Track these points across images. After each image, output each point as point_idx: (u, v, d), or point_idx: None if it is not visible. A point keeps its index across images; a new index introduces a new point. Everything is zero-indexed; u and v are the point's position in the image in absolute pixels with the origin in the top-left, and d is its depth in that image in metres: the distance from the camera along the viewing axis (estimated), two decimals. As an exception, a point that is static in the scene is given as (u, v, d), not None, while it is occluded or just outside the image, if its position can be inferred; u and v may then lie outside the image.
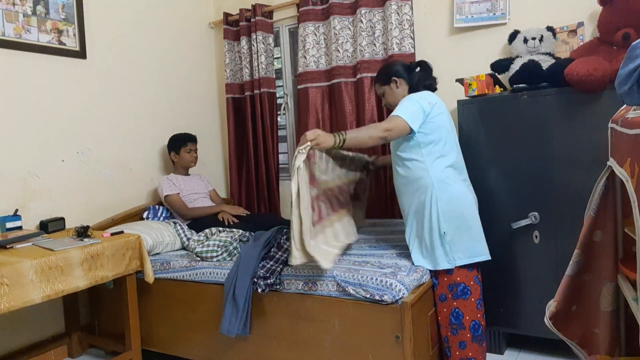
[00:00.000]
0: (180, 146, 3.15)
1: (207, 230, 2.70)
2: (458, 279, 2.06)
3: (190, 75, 3.64)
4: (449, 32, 2.96)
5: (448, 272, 2.05)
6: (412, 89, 2.22)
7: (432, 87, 2.25)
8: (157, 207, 3.09)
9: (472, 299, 2.07)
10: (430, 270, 2.09)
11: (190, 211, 2.98)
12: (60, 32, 2.70)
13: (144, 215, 3.03)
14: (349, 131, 2.05)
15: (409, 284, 1.90)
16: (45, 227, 2.46)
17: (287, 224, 2.04)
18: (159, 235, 2.70)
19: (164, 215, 3.10)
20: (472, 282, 2.08)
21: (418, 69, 2.26)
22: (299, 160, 1.87)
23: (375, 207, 3.20)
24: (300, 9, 3.33)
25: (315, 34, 3.33)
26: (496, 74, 2.57)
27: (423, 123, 2.05)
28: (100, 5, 2.94)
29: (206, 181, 3.33)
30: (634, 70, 1.11)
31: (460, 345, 2.06)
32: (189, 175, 3.24)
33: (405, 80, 2.24)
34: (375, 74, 3.09)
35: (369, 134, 2.04)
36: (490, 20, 2.76)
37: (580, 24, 2.54)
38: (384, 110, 3.12)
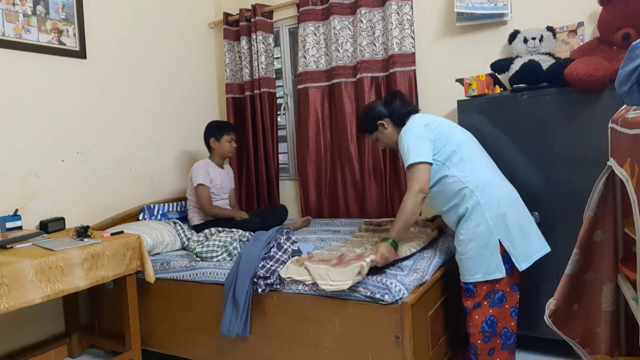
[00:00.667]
0: (223, 133, 3.02)
1: (206, 231, 2.70)
2: (497, 286, 1.99)
3: (190, 75, 3.64)
4: (449, 32, 2.96)
5: (490, 280, 1.98)
6: (398, 122, 2.17)
7: (414, 111, 2.20)
8: (152, 206, 3.08)
9: (507, 306, 2.02)
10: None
11: (211, 209, 2.91)
12: (60, 32, 2.70)
13: (140, 217, 3.01)
14: (392, 230, 2.00)
15: (409, 284, 1.90)
16: (45, 227, 2.46)
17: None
18: (159, 235, 2.70)
19: (160, 213, 3.09)
20: (509, 289, 2.01)
21: (394, 101, 2.21)
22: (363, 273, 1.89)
23: (376, 207, 3.20)
24: (300, 9, 3.33)
25: (315, 34, 3.33)
26: (496, 74, 2.57)
27: (434, 147, 2.02)
28: (100, 5, 2.94)
29: (232, 178, 3.24)
30: (634, 70, 1.11)
31: (489, 352, 2.01)
32: (223, 168, 3.13)
33: (390, 118, 2.19)
34: (375, 74, 3.12)
35: (409, 210, 1.95)
36: (491, 9, 2.69)
37: (580, 24, 2.54)
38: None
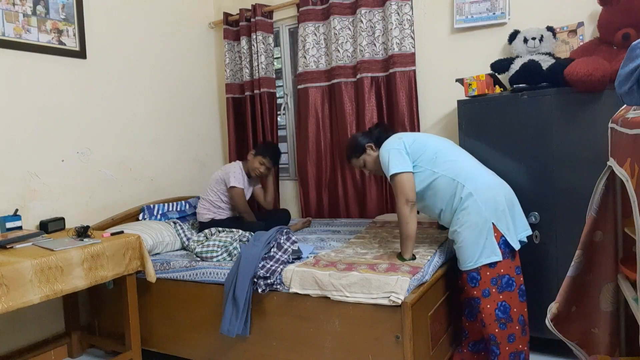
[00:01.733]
0: (260, 154, 3.02)
1: (206, 231, 2.70)
2: (502, 270, 2.00)
3: (191, 75, 3.64)
4: (449, 32, 2.96)
5: (491, 264, 2.00)
6: (379, 145, 2.26)
7: (386, 135, 2.32)
8: (152, 206, 3.08)
9: (517, 291, 2.04)
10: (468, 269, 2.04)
11: (247, 212, 2.97)
12: (60, 32, 2.70)
13: (140, 217, 3.02)
14: (402, 249, 2.09)
15: (409, 284, 1.90)
16: (45, 227, 2.46)
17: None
18: (159, 235, 2.70)
19: (160, 213, 3.10)
20: (514, 273, 2.04)
21: (376, 129, 2.38)
22: None
23: (376, 207, 3.20)
24: (300, 9, 3.33)
25: (315, 34, 3.33)
26: (496, 74, 2.57)
27: (411, 157, 2.12)
28: (100, 6, 2.94)
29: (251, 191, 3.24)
30: (634, 70, 1.11)
31: (509, 338, 2.01)
32: (250, 178, 3.14)
33: (373, 142, 2.31)
34: (375, 74, 3.13)
35: (404, 223, 2.04)
36: (490, 20, 2.77)
37: (580, 24, 2.54)
38: (384, 111, 3.13)
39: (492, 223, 1.99)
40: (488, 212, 2.00)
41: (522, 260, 2.31)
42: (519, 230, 2.09)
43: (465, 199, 2.02)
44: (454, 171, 2.07)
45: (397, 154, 2.11)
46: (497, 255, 1.99)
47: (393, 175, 2.08)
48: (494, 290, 2.00)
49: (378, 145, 2.28)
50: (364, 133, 2.41)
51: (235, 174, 2.98)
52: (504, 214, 2.02)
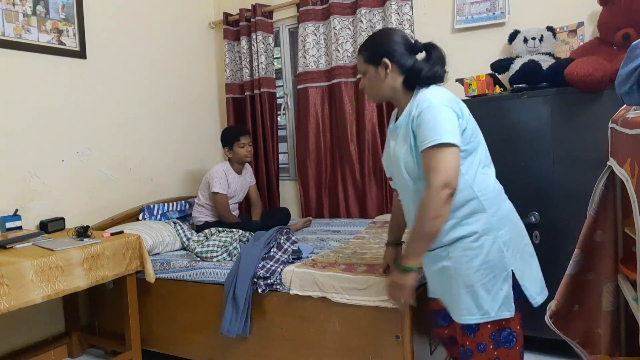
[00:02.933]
0: (233, 141, 2.99)
1: (206, 231, 2.70)
2: (503, 322, 1.52)
3: (190, 75, 3.64)
4: (449, 32, 2.96)
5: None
6: (407, 81, 1.54)
7: (436, 79, 1.54)
8: (152, 206, 3.08)
9: (517, 347, 1.56)
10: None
11: (229, 217, 2.93)
12: (60, 32, 2.70)
13: (140, 217, 3.01)
14: (408, 248, 1.49)
15: (409, 284, 1.89)
16: (45, 227, 2.46)
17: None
18: (159, 235, 2.70)
19: (160, 213, 3.09)
20: (518, 327, 1.56)
21: (423, 53, 1.58)
22: None
23: (376, 207, 3.20)
24: (300, 9, 3.33)
25: (315, 34, 3.33)
26: (496, 74, 2.58)
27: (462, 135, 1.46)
28: (100, 5, 2.94)
29: (249, 178, 3.23)
30: (634, 70, 1.11)
31: None
32: (242, 173, 3.12)
33: (399, 68, 1.54)
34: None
35: (433, 217, 1.39)
36: (489, 20, 2.78)
37: (580, 24, 2.54)
38: (384, 111, 3.12)
39: (512, 270, 1.49)
40: (509, 254, 1.49)
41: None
42: (540, 277, 1.62)
43: (483, 231, 1.48)
44: (480, 182, 1.51)
45: (453, 118, 1.43)
46: (510, 311, 1.50)
47: (439, 145, 1.37)
48: (490, 346, 1.53)
49: (404, 74, 1.54)
50: (403, 48, 1.54)
51: (219, 179, 2.93)
52: (525, 258, 1.56)
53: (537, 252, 2.29)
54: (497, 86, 2.47)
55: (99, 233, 2.37)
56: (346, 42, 3.23)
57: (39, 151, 2.60)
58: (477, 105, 2.38)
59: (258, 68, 3.51)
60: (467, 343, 1.55)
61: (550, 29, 2.49)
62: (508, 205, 1.59)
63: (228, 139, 3.03)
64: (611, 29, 2.23)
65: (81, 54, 2.81)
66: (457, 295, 1.51)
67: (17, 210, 2.42)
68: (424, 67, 1.53)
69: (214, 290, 2.27)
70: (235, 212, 3.14)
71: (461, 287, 1.50)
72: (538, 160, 2.24)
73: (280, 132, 3.71)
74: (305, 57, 3.34)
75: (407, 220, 1.67)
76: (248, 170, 3.23)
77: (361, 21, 3.10)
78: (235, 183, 3.05)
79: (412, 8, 2.99)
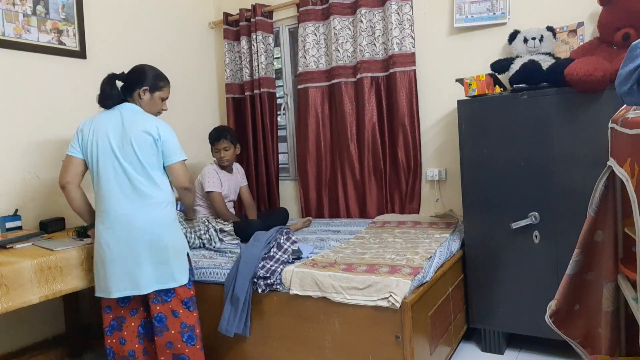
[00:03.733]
0: (211, 146, 3.07)
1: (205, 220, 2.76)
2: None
3: (190, 75, 3.64)
4: (449, 32, 2.96)
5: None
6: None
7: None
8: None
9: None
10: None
11: (227, 215, 2.93)
12: (60, 32, 2.70)
13: None
14: None
15: (409, 286, 1.90)
16: (45, 227, 2.46)
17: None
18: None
19: None
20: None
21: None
22: None
23: (376, 207, 3.20)
24: (300, 9, 3.33)
25: (315, 34, 3.33)
26: (496, 74, 2.58)
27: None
28: (100, 5, 2.94)
29: (241, 178, 3.23)
30: (634, 70, 1.11)
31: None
32: (232, 172, 3.13)
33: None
34: (375, 74, 3.13)
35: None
36: (490, 20, 2.78)
37: (580, 24, 2.54)
38: (384, 111, 3.13)
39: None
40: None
41: (522, 259, 2.31)
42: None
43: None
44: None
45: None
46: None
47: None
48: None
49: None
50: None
51: (210, 178, 2.95)
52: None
53: (537, 252, 2.30)
54: (497, 86, 2.46)
55: (99, 233, 2.37)
56: (346, 42, 3.23)
57: (39, 151, 2.60)
58: (477, 105, 2.38)
59: (258, 68, 3.51)
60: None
61: (550, 29, 2.49)
62: None
63: (210, 142, 3.10)
64: (611, 29, 2.23)
65: (81, 54, 2.81)
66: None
67: (17, 210, 2.42)
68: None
69: (214, 290, 2.27)
70: (233, 212, 3.14)
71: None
72: (538, 160, 2.24)
73: (280, 132, 3.71)
74: (305, 57, 3.34)
75: None
76: (239, 170, 3.24)
77: (361, 21, 3.11)
78: (226, 181, 3.06)
79: (412, 8, 2.99)
